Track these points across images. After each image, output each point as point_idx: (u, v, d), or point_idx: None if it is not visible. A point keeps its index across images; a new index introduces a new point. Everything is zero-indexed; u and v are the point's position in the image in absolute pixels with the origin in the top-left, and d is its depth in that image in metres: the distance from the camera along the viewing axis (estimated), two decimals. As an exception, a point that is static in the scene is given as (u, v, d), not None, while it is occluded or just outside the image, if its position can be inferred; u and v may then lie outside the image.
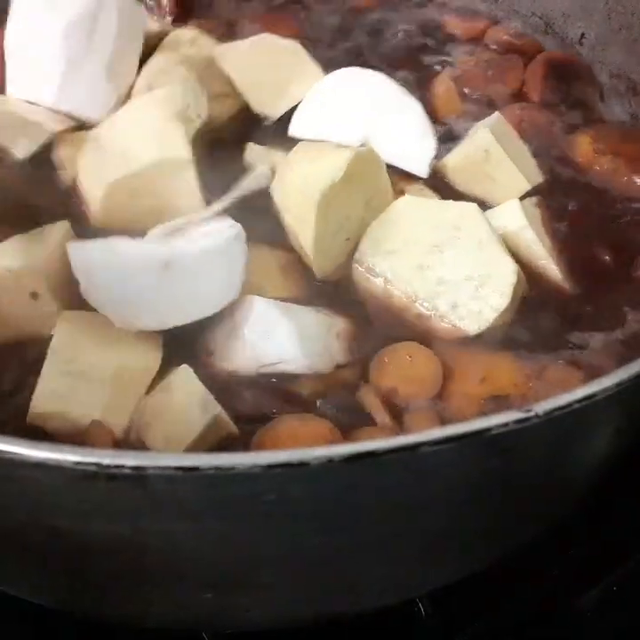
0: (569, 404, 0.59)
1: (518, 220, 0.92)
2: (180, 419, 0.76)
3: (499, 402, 0.81)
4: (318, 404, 0.82)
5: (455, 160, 1.00)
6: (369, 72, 1.04)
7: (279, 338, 0.82)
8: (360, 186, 0.91)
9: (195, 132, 0.95)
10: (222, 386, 0.81)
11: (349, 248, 0.92)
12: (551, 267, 0.92)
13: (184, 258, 0.83)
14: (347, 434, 0.79)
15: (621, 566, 0.96)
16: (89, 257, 0.83)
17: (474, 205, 0.91)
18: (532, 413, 0.58)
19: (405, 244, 0.90)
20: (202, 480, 0.56)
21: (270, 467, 0.55)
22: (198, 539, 0.62)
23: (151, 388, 0.81)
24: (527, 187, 0.98)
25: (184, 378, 0.79)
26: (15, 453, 0.55)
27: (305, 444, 0.74)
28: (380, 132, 1.00)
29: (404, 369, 0.84)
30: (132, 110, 0.97)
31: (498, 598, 0.93)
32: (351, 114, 1.02)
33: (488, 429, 0.57)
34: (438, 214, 0.91)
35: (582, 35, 1.19)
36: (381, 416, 0.80)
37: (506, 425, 0.58)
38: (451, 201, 0.93)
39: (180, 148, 0.91)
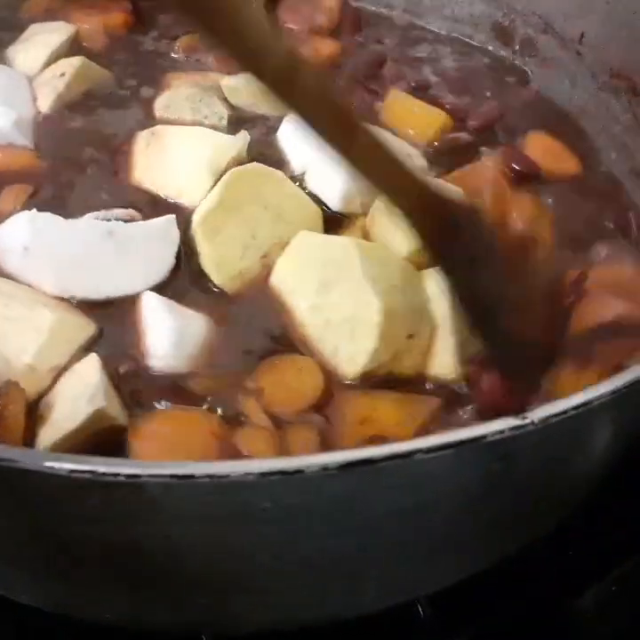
0: (564, 411, 0.59)
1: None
2: (68, 406, 0.79)
3: (380, 441, 0.79)
4: (209, 399, 0.83)
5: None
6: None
7: (158, 334, 0.86)
8: (252, 205, 0.93)
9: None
10: (125, 376, 0.84)
11: (267, 263, 0.93)
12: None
13: (127, 229, 0.93)
14: (232, 431, 0.80)
15: (620, 567, 0.96)
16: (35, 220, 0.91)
17: (353, 241, 0.90)
18: (527, 420, 0.58)
19: (302, 281, 0.89)
20: (197, 488, 0.56)
21: (264, 474, 0.55)
22: (194, 545, 0.62)
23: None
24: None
25: (87, 366, 0.82)
26: (10, 461, 0.55)
27: (187, 437, 0.79)
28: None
29: (285, 378, 0.85)
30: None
31: (497, 599, 0.92)
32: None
33: (484, 436, 0.58)
34: (326, 251, 0.89)
35: (582, 34, 1.19)
36: (258, 418, 0.81)
37: (502, 432, 0.58)
38: (335, 236, 0.93)
39: None
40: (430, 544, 0.69)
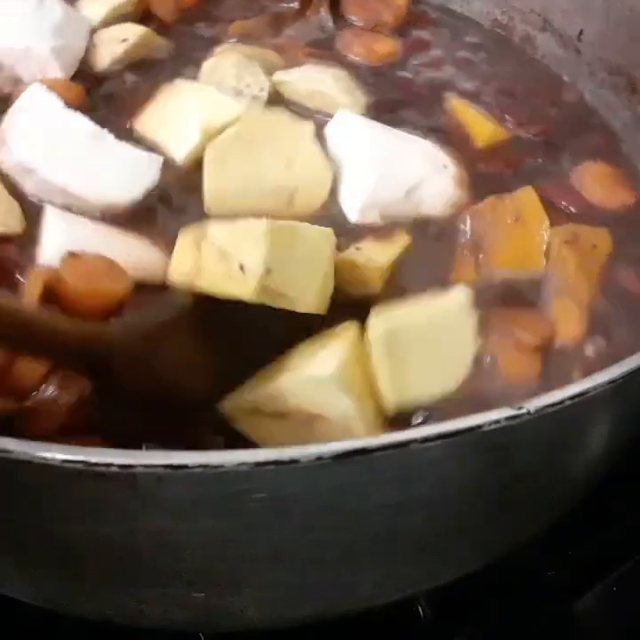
0: (561, 401, 0.58)
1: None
2: None
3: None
4: None
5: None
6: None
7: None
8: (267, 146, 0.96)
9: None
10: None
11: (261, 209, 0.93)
12: None
13: (115, 143, 0.98)
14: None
15: (620, 567, 0.96)
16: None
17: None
18: (523, 410, 0.58)
19: None
20: (190, 478, 0.56)
21: (259, 464, 0.55)
22: (188, 537, 0.62)
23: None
24: None
25: None
26: (2, 451, 0.55)
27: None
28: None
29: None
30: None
31: (497, 599, 0.92)
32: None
33: (479, 426, 0.57)
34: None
35: (581, 31, 1.19)
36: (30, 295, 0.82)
37: (497, 422, 0.57)
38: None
39: None
40: (426, 537, 0.68)
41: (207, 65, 1.13)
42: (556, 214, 0.98)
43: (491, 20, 1.29)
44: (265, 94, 1.09)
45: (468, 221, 0.97)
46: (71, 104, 1.00)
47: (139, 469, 0.55)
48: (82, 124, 0.98)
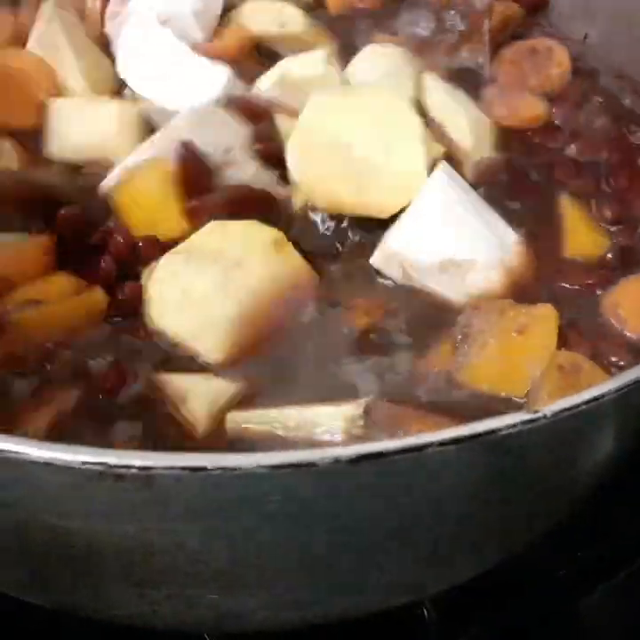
0: (576, 406, 0.59)
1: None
2: None
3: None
4: None
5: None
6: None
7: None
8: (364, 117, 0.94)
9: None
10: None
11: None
12: None
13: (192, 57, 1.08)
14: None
15: (626, 568, 0.96)
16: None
17: None
18: (540, 414, 0.58)
19: None
20: (208, 480, 0.56)
21: (276, 467, 0.55)
22: (204, 539, 0.62)
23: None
24: None
25: None
26: (23, 453, 0.55)
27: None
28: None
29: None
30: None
31: (502, 600, 0.92)
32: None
33: (496, 430, 0.57)
34: None
35: (585, 34, 1.19)
36: None
37: (514, 426, 0.58)
38: None
39: None
40: (440, 540, 0.69)
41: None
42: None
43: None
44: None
45: (468, 313, 0.88)
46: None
47: (158, 471, 0.55)
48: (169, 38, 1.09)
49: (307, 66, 1.07)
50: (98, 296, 0.87)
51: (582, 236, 0.97)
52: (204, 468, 0.55)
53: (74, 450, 0.55)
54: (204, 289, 0.85)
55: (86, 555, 0.65)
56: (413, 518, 0.64)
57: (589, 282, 0.93)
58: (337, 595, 0.73)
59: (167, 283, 0.86)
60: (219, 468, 0.55)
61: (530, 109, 1.10)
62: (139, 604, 0.72)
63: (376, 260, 0.93)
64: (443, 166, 0.94)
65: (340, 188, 0.93)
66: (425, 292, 0.91)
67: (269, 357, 0.85)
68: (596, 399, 0.59)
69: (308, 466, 0.56)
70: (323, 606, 0.75)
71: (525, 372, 0.81)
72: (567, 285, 0.93)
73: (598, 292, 0.92)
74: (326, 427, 0.77)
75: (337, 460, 0.56)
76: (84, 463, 0.55)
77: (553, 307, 0.85)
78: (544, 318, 0.85)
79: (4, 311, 0.85)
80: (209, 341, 0.84)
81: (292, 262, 0.89)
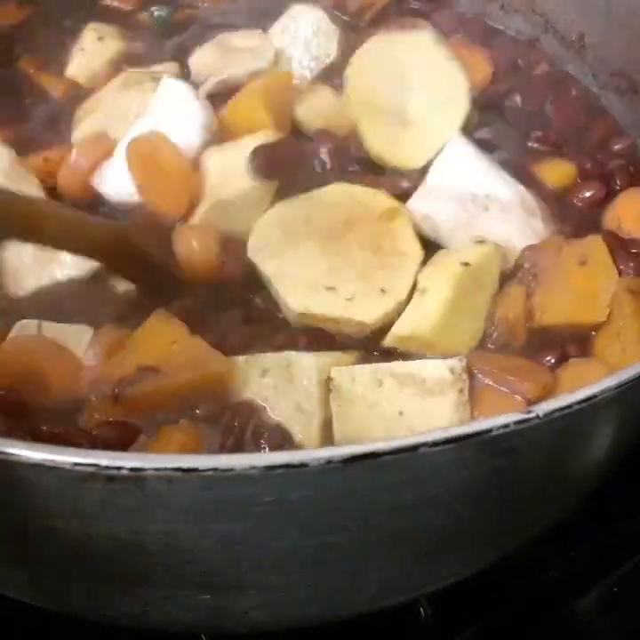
0: (569, 405, 0.58)
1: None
2: None
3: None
4: None
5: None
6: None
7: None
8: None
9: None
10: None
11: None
12: None
13: None
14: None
15: (621, 567, 0.96)
16: None
17: None
18: (533, 414, 0.58)
19: None
20: (200, 481, 0.56)
21: (269, 468, 0.55)
22: (196, 540, 0.62)
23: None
24: None
25: None
26: (13, 454, 0.55)
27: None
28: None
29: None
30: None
31: (498, 599, 0.92)
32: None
33: (489, 430, 0.57)
34: None
35: (582, 33, 1.19)
36: None
37: (507, 426, 0.58)
38: None
39: None
40: (433, 540, 0.68)
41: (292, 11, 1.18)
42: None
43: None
44: (330, 61, 1.15)
45: (529, 256, 0.94)
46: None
47: (149, 472, 0.55)
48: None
49: (244, 38, 1.15)
50: (224, 364, 0.83)
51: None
52: (195, 470, 0.55)
53: (65, 451, 0.55)
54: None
55: (79, 555, 0.65)
56: (407, 518, 0.64)
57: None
58: (331, 594, 0.73)
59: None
60: (211, 470, 0.55)
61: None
62: (132, 604, 0.72)
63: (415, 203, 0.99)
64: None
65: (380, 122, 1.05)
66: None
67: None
68: (589, 398, 0.59)
69: (301, 467, 0.56)
70: (317, 606, 0.75)
71: (601, 298, 0.89)
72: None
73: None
74: (435, 379, 0.82)
75: (329, 461, 0.56)
76: (75, 465, 0.54)
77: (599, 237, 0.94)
78: (597, 247, 0.93)
79: (119, 382, 0.80)
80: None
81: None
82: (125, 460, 0.55)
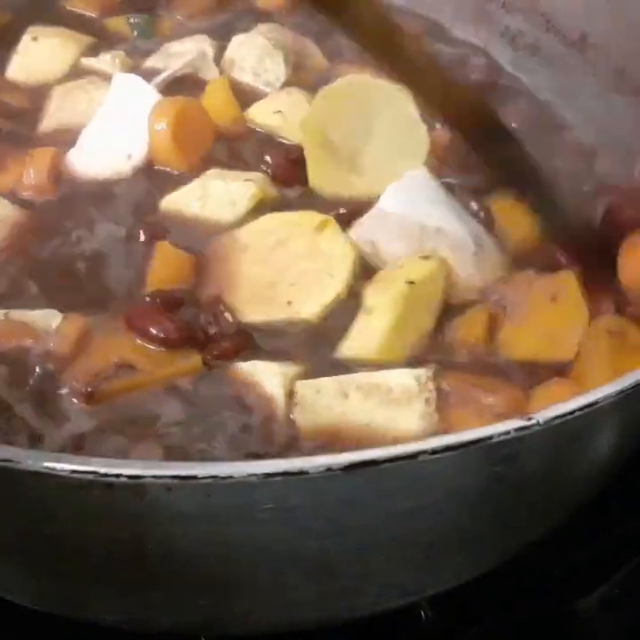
0: (571, 412, 0.58)
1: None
2: None
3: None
4: None
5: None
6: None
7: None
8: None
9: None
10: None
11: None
12: None
13: None
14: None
15: (623, 569, 0.96)
16: None
17: None
18: (533, 421, 0.58)
19: None
20: (199, 489, 0.56)
21: (268, 475, 0.55)
22: (196, 547, 0.62)
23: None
24: None
25: None
26: (11, 461, 0.55)
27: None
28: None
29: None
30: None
31: (499, 602, 0.92)
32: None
33: (489, 437, 0.57)
34: None
35: (584, 32, 1.18)
36: None
37: (507, 433, 0.57)
38: None
39: None
40: (433, 546, 0.68)
41: (236, 40, 1.19)
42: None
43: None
44: (279, 84, 1.15)
45: (498, 288, 0.94)
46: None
47: (148, 480, 0.55)
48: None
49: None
50: (196, 363, 0.86)
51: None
52: (194, 477, 0.55)
53: (63, 458, 0.55)
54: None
55: (79, 561, 0.65)
56: (407, 524, 0.64)
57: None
58: (330, 598, 0.73)
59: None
60: (210, 477, 0.55)
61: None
62: (132, 609, 0.72)
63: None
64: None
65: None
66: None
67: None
68: (590, 405, 0.59)
69: (300, 474, 0.56)
70: (316, 610, 0.75)
71: (570, 336, 0.88)
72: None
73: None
74: (401, 388, 0.82)
75: (329, 469, 0.56)
76: (73, 472, 0.54)
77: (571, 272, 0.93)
78: (569, 283, 0.92)
79: (96, 379, 0.83)
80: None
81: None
82: (124, 468, 0.55)
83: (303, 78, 1.17)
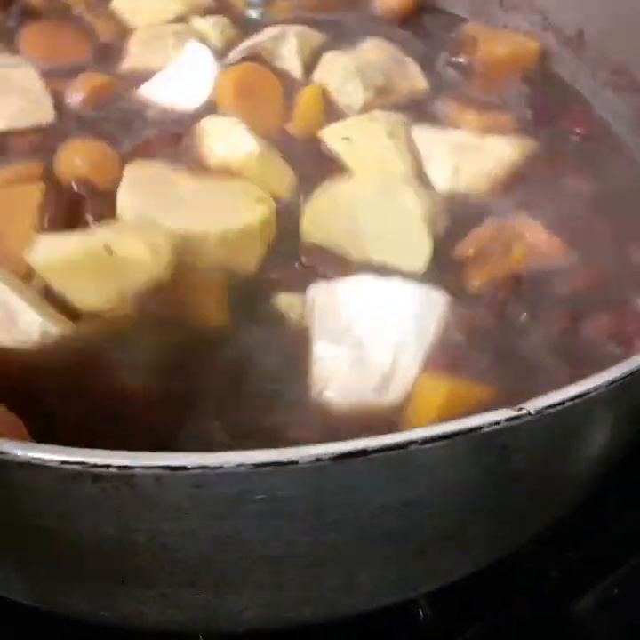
0: (561, 402, 0.58)
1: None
2: None
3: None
4: None
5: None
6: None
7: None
8: None
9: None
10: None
11: None
12: None
13: None
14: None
15: (621, 568, 0.95)
16: None
17: None
18: (524, 411, 0.57)
19: None
20: (189, 479, 0.56)
21: (257, 465, 0.55)
22: (187, 538, 0.62)
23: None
24: None
25: None
26: (0, 453, 0.55)
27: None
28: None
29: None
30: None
31: (497, 600, 0.92)
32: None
33: (480, 427, 0.57)
34: None
35: (581, 29, 1.18)
36: None
37: (498, 423, 0.57)
38: None
39: None
40: (426, 538, 0.68)
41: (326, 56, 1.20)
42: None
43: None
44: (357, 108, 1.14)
45: None
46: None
47: (137, 471, 0.55)
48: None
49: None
50: None
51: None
52: (183, 468, 0.55)
53: (52, 449, 0.54)
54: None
55: (69, 554, 0.65)
56: (399, 516, 0.64)
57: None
58: (325, 593, 0.73)
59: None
60: (199, 468, 0.55)
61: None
62: (125, 604, 0.71)
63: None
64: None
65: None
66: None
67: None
68: (581, 395, 0.58)
69: (290, 464, 0.55)
70: (311, 605, 0.75)
71: None
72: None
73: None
74: None
75: (319, 459, 0.55)
76: (62, 463, 0.54)
77: None
78: None
79: None
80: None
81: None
82: (113, 459, 0.55)
83: (393, 100, 1.15)
